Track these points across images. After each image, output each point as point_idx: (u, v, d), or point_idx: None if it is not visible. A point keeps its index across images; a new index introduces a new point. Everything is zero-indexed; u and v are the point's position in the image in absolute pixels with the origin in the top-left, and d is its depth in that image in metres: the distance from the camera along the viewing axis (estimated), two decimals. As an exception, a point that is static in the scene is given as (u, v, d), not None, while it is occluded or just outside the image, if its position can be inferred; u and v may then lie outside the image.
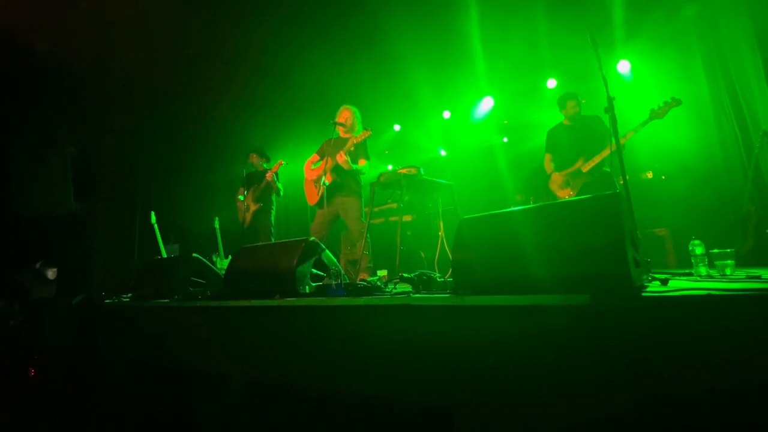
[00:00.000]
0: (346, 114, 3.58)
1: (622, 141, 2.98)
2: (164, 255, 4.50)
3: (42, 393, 2.78)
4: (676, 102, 2.93)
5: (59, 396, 2.74)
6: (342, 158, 3.32)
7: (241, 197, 4.43)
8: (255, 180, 4.39)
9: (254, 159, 4.57)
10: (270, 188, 4.32)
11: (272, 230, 4.45)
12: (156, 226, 4.44)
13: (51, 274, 4.05)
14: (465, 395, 1.42)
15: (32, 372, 2.98)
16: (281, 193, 4.41)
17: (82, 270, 4.73)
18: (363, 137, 3.34)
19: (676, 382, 1.08)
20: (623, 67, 4.46)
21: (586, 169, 3.35)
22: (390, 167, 6.15)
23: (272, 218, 4.49)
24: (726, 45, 3.55)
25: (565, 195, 3.47)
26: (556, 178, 3.56)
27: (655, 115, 2.99)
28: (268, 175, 4.17)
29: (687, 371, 1.07)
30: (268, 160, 4.61)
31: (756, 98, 3.23)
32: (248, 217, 4.33)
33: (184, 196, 5.64)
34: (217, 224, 4.83)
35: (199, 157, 5.80)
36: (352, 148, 3.38)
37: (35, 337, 3.23)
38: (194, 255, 3.10)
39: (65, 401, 2.66)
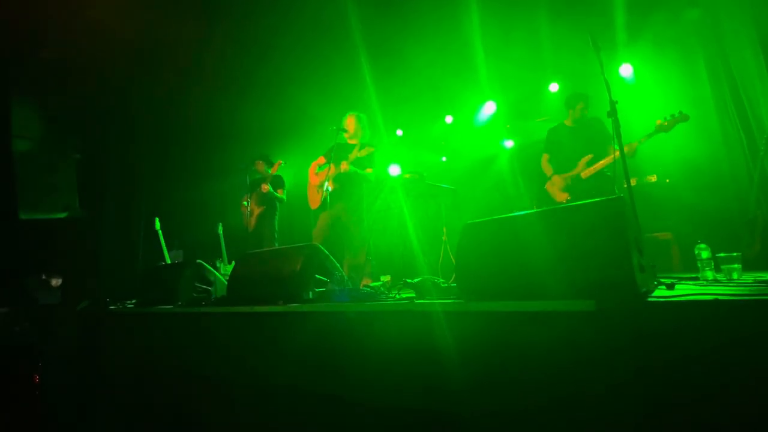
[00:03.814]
0: (350, 120, 3.60)
1: (625, 149, 2.96)
2: (168, 261, 4.51)
3: (46, 399, 2.78)
4: (684, 117, 2.88)
5: (63, 402, 2.74)
6: (345, 167, 3.33)
7: (245, 203, 4.46)
8: (258, 185, 4.42)
9: (260, 166, 4.60)
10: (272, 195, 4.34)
11: (276, 235, 4.47)
12: (160, 232, 4.46)
13: (54, 282, 4.08)
14: (470, 401, 1.41)
15: (36, 378, 2.99)
16: (284, 200, 4.41)
17: (86, 276, 4.75)
18: (365, 153, 3.33)
19: (683, 388, 1.07)
20: (626, 70, 4.44)
21: (585, 175, 3.33)
22: (394, 170, 6.15)
23: (276, 223, 4.50)
24: (729, 48, 3.54)
25: (563, 198, 3.45)
26: (557, 181, 3.54)
27: (662, 128, 2.94)
28: (263, 187, 4.17)
29: (694, 377, 1.06)
30: (272, 164, 4.65)
31: (760, 102, 3.21)
32: (252, 221, 4.36)
33: (188, 203, 5.66)
34: (220, 230, 4.84)
35: (203, 163, 5.83)
36: (355, 157, 3.38)
37: (39, 343, 3.24)
38: (198, 261, 3.11)
39: (69, 407, 2.66)
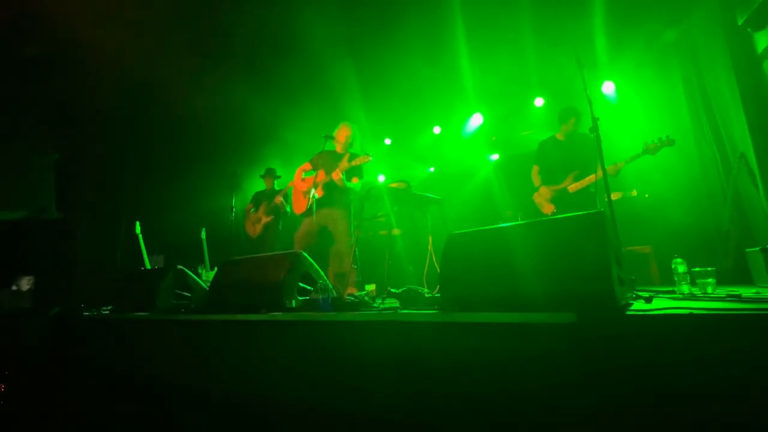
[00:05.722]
0: (344, 130, 3.58)
1: (610, 170, 3.05)
2: (148, 266, 4.40)
3: (13, 409, 2.65)
4: (670, 141, 2.99)
5: (32, 412, 2.61)
6: (338, 176, 3.31)
7: (253, 210, 4.69)
8: (266, 197, 4.66)
9: (268, 181, 4.85)
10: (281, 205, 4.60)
11: (277, 242, 4.64)
12: (140, 236, 4.36)
13: (26, 283, 3.92)
14: (452, 412, 1.40)
15: (2, 387, 2.85)
16: (289, 213, 4.59)
17: (61, 281, 4.59)
18: (362, 162, 3.32)
19: (659, 397, 1.09)
20: (608, 88, 4.59)
21: (572, 190, 3.40)
22: (381, 178, 6.17)
23: (279, 232, 4.69)
24: (704, 70, 3.69)
25: (550, 210, 3.51)
26: (544, 192, 3.60)
27: (648, 151, 3.04)
28: (277, 199, 4.51)
29: (670, 387, 1.08)
30: (279, 178, 4.91)
31: (733, 121, 3.34)
32: (259, 227, 4.58)
33: (171, 206, 5.55)
34: (203, 235, 4.76)
35: (186, 167, 5.74)
36: (347, 166, 3.38)
37: (7, 350, 3.10)
38: (179, 267, 3.04)
39: (39, 417, 2.54)
